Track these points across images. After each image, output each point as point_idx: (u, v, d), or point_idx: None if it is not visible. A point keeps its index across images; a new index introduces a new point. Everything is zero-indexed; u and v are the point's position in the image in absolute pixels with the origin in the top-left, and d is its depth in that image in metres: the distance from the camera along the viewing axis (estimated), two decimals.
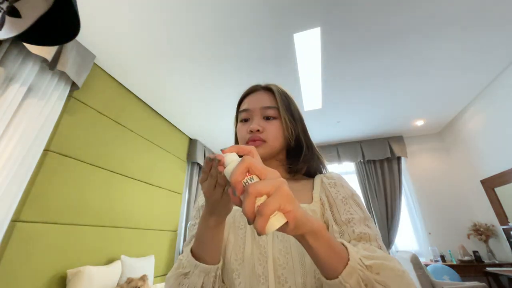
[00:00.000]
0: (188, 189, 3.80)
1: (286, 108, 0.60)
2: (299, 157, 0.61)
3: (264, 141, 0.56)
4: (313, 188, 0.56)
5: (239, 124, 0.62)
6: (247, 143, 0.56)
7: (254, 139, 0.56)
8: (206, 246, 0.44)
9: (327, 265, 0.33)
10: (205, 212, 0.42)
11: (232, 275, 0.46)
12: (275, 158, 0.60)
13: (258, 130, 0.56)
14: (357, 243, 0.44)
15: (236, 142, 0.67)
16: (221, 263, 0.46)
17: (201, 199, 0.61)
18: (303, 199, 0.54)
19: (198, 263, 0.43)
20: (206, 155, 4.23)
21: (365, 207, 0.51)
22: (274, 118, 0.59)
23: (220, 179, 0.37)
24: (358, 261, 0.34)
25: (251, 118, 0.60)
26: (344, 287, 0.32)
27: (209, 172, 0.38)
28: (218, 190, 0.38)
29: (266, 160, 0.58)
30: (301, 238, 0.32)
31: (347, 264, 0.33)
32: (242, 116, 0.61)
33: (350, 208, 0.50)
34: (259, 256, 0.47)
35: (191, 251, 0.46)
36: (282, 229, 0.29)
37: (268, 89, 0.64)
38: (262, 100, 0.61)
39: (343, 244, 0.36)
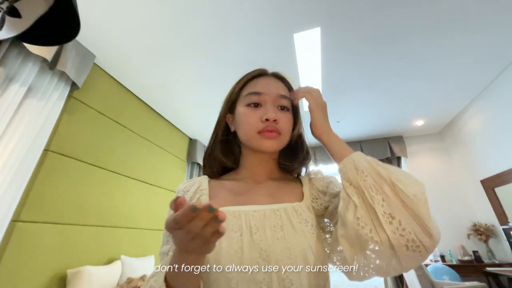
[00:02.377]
0: None
1: (295, 104, 0.57)
2: (291, 156, 0.59)
3: (279, 133, 0.51)
4: (302, 186, 0.56)
5: (246, 108, 0.53)
6: (259, 132, 0.50)
7: (272, 130, 0.50)
8: (183, 279, 0.37)
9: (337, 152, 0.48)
10: (179, 251, 0.34)
11: (230, 284, 0.41)
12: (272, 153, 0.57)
13: (275, 120, 0.50)
14: None
15: (217, 129, 0.61)
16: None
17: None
18: (294, 198, 0.53)
19: None
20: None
21: None
22: (288, 109, 0.54)
23: (207, 234, 0.29)
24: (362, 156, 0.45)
25: (263, 104, 0.53)
26: (353, 160, 0.44)
27: (187, 224, 0.28)
28: (197, 242, 0.30)
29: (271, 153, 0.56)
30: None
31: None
32: (251, 99, 0.53)
33: (335, 185, 0.54)
34: (259, 260, 0.42)
35: (166, 279, 0.38)
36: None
37: (278, 77, 0.59)
38: (277, 87, 0.55)
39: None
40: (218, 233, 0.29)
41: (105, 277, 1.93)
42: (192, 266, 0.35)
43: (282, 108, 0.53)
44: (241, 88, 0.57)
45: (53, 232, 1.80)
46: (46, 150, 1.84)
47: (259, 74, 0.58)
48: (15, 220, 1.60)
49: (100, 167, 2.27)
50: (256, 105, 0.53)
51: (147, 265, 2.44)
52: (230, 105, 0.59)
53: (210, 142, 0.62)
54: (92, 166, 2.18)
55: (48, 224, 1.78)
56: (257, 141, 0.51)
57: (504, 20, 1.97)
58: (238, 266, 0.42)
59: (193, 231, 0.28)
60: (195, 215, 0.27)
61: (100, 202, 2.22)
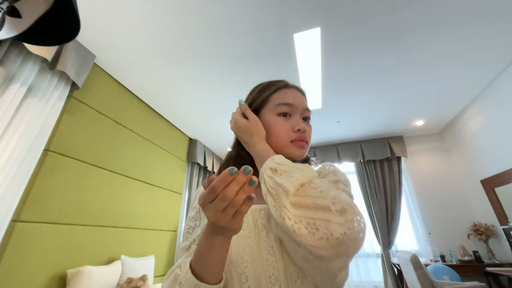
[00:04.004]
0: (188, 189, 3.80)
1: None
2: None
3: (307, 143, 0.56)
4: None
5: (278, 117, 0.56)
6: (292, 141, 0.54)
7: (303, 139, 0.55)
8: (209, 265, 0.39)
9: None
10: (209, 232, 0.37)
11: (240, 279, 0.44)
12: None
13: (305, 131, 0.56)
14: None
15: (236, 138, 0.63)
16: (223, 282, 0.41)
17: None
18: None
19: (199, 282, 0.38)
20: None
21: (351, 192, 0.51)
22: (309, 120, 0.60)
23: (239, 200, 0.31)
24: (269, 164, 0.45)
25: (292, 115, 0.57)
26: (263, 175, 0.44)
27: (223, 190, 0.30)
28: (229, 212, 0.32)
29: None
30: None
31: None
32: (283, 110, 0.56)
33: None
34: (268, 256, 0.45)
35: (190, 266, 0.40)
36: None
37: (300, 90, 0.63)
38: (302, 99, 0.60)
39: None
40: (249, 201, 0.32)
41: (105, 277, 1.93)
42: (220, 256, 0.38)
43: (305, 119, 0.59)
44: (268, 97, 0.59)
45: (53, 232, 1.80)
46: (46, 150, 1.84)
47: (286, 85, 0.61)
48: (15, 220, 1.60)
49: (100, 167, 2.27)
50: (285, 114, 0.56)
51: (147, 265, 2.44)
52: (258, 111, 0.61)
53: (236, 148, 0.62)
54: (92, 166, 2.18)
55: (48, 224, 1.78)
56: (290, 149, 0.55)
57: (504, 20, 1.97)
58: (248, 261, 0.45)
59: (228, 196, 0.30)
60: (232, 179, 0.30)
61: (100, 202, 2.22)
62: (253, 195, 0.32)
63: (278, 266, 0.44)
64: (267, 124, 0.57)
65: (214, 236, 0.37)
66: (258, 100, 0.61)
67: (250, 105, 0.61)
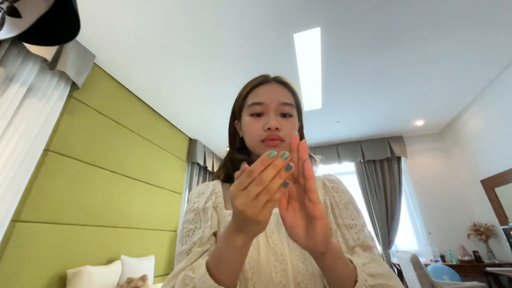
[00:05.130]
0: (188, 189, 3.79)
1: (298, 106, 0.59)
2: None
3: (282, 141, 0.52)
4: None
5: (249, 118, 0.55)
6: (263, 141, 0.52)
7: (273, 138, 0.51)
8: (228, 267, 0.37)
9: (339, 282, 0.37)
10: (232, 229, 0.35)
11: (247, 285, 0.42)
12: None
13: (277, 129, 0.51)
14: (361, 251, 0.46)
15: (233, 137, 0.62)
16: (238, 287, 0.40)
17: (199, 200, 0.55)
18: None
19: (217, 286, 0.36)
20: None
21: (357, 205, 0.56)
22: (290, 116, 0.55)
23: (275, 186, 0.29)
24: (364, 282, 0.37)
25: (266, 113, 0.54)
26: None
27: (260, 174, 0.29)
28: (261, 199, 0.29)
29: None
30: (320, 256, 0.35)
31: (355, 284, 0.36)
32: (254, 110, 0.54)
33: (351, 213, 0.52)
34: (276, 263, 0.44)
35: (207, 269, 0.38)
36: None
37: (281, 82, 0.59)
38: (279, 94, 0.56)
39: (351, 261, 0.38)
40: (284, 187, 0.31)
41: (105, 277, 1.93)
42: (240, 258, 0.36)
43: (284, 115, 0.54)
44: (245, 97, 0.59)
45: (53, 232, 1.80)
46: (46, 150, 1.84)
47: (262, 81, 0.59)
48: (15, 220, 1.60)
49: (100, 167, 2.27)
50: (259, 114, 0.54)
51: (147, 265, 2.44)
52: (237, 113, 0.61)
53: (229, 148, 0.64)
54: (92, 166, 2.18)
55: (48, 224, 1.78)
56: (260, 149, 0.52)
57: (504, 20, 1.97)
58: (255, 267, 0.44)
59: (264, 180, 0.29)
60: (270, 162, 0.29)
61: (100, 202, 2.22)
62: (288, 181, 0.31)
63: (287, 274, 0.42)
64: (243, 124, 0.57)
65: (236, 235, 0.34)
66: (239, 102, 0.60)
67: (235, 106, 0.62)
